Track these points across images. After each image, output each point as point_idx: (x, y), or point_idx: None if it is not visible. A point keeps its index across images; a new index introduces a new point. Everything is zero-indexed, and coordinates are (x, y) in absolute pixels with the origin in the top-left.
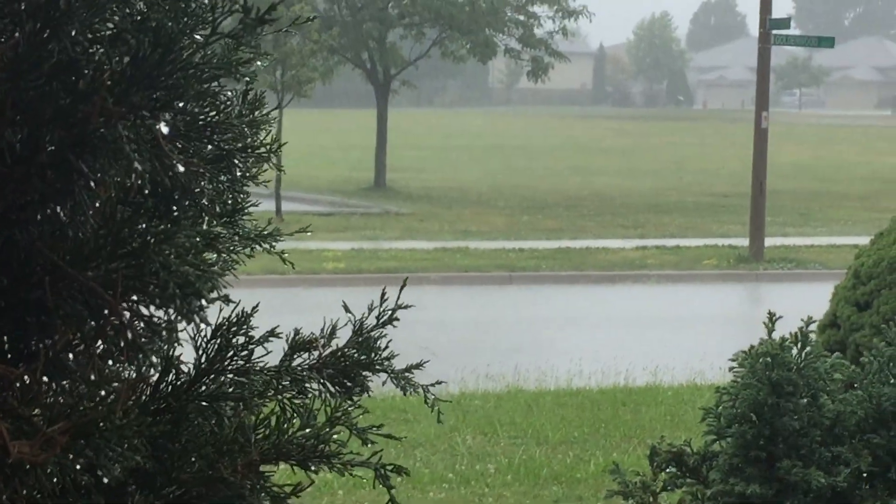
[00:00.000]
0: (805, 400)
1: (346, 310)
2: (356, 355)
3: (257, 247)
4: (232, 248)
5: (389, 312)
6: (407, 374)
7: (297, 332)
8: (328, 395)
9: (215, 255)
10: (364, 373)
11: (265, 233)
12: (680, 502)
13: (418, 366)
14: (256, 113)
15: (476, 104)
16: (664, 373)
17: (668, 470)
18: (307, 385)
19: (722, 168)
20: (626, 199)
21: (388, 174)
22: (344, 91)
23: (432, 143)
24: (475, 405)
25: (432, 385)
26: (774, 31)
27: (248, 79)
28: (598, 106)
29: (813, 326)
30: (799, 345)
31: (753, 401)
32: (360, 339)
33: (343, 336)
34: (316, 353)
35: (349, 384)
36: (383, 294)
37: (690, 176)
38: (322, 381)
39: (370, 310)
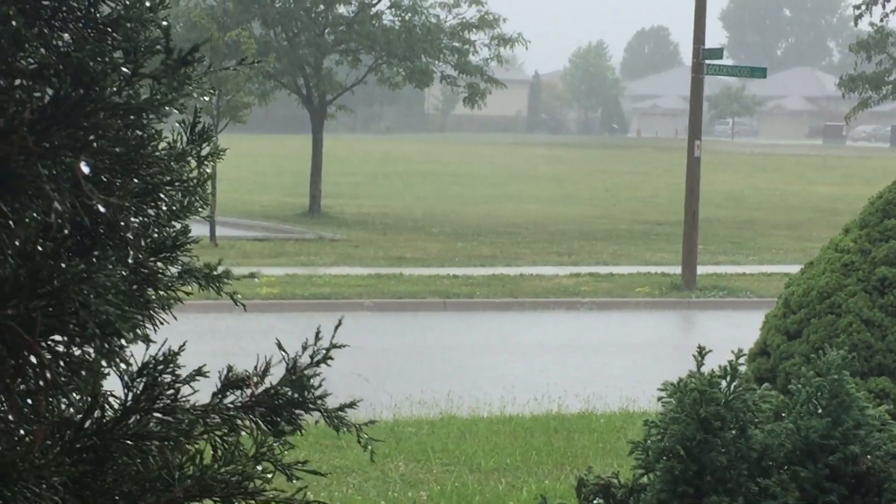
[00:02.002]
0: (734, 432)
1: (280, 347)
2: (289, 394)
3: (205, 285)
4: (171, 284)
5: (324, 352)
6: (340, 413)
7: (230, 368)
8: (259, 432)
9: (153, 293)
10: (297, 411)
11: (214, 273)
12: None
13: (351, 405)
14: (205, 145)
15: (412, 130)
16: (597, 400)
17: (595, 502)
18: (238, 423)
19: (655, 196)
20: (559, 226)
21: (323, 200)
22: (280, 116)
23: (368, 169)
24: (408, 432)
25: (366, 424)
26: (707, 61)
27: (199, 108)
28: (532, 133)
29: (743, 359)
30: (728, 377)
31: (682, 436)
32: (294, 378)
33: (276, 371)
34: (248, 391)
35: (281, 422)
36: (318, 333)
37: (624, 203)
38: (253, 419)
39: (304, 348)
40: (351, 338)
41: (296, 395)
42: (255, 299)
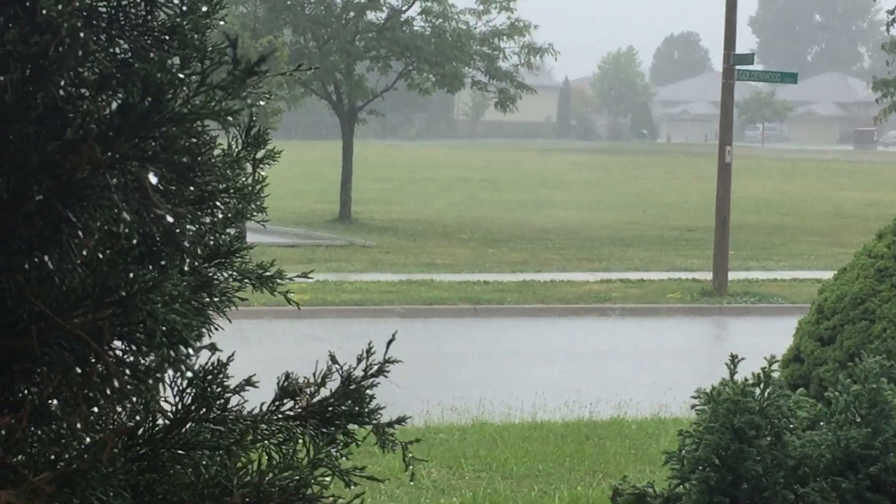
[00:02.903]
0: (769, 439)
1: (333, 360)
2: (345, 406)
3: (259, 287)
4: (226, 290)
5: (378, 365)
6: (389, 428)
7: (287, 376)
8: (313, 439)
9: (208, 298)
10: (352, 423)
11: (266, 274)
12: None
13: (400, 420)
14: (260, 150)
15: (442, 136)
16: (628, 406)
17: None
18: (294, 432)
19: (685, 202)
20: (590, 232)
21: (353, 206)
22: (310, 122)
23: (398, 175)
24: (440, 438)
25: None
26: (738, 67)
27: (252, 112)
28: (562, 139)
29: (776, 366)
30: (762, 385)
31: (716, 445)
32: (350, 390)
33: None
34: (303, 401)
35: (335, 434)
36: (370, 348)
37: (654, 210)
38: (305, 428)
39: (358, 360)
40: (381, 344)
41: (353, 408)
42: (287, 306)
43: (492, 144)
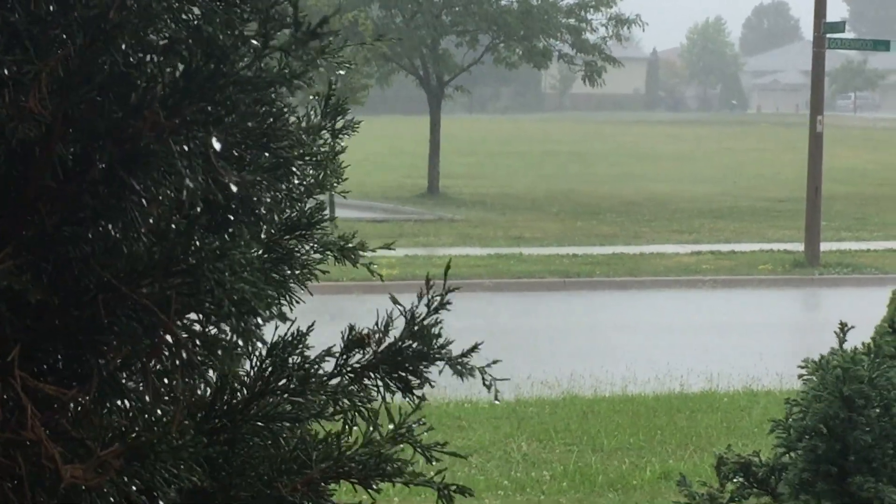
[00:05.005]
0: (877, 410)
1: (395, 301)
2: (413, 346)
3: (341, 259)
4: (307, 262)
5: (439, 298)
6: (463, 358)
7: (351, 328)
8: (388, 393)
9: (288, 270)
10: (422, 363)
11: (349, 246)
12: None
13: (473, 349)
14: (339, 119)
15: (529, 110)
16: (720, 379)
17: (734, 480)
18: (366, 384)
19: (777, 172)
20: (680, 204)
21: (441, 180)
22: (397, 97)
23: (485, 149)
24: (530, 412)
25: (488, 366)
26: (829, 35)
27: (332, 80)
28: (651, 111)
29: (888, 339)
30: (871, 354)
31: (824, 414)
32: (416, 329)
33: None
34: (372, 349)
35: (408, 378)
36: (428, 280)
37: (745, 181)
38: (380, 377)
39: (419, 297)
40: (470, 319)
41: (420, 347)
42: (375, 280)
43: (580, 117)
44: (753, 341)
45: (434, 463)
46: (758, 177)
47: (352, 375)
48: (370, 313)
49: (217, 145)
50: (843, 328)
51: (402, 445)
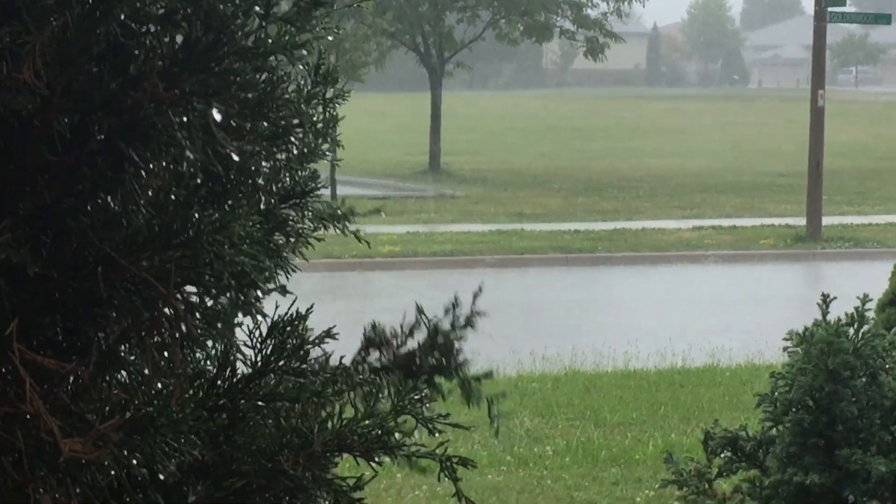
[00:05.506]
0: (863, 380)
1: (420, 312)
2: (432, 359)
3: (330, 227)
4: (301, 230)
5: (465, 317)
6: (476, 382)
7: (374, 326)
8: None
9: (283, 239)
10: (437, 377)
11: (339, 213)
12: (736, 490)
13: (487, 375)
14: (329, 88)
15: (530, 86)
16: (722, 354)
17: (722, 455)
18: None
19: (778, 147)
20: (681, 179)
21: (442, 157)
22: (398, 75)
23: (486, 125)
24: (532, 387)
25: (496, 396)
26: (830, 9)
27: (321, 50)
28: (652, 86)
29: (870, 305)
30: (855, 325)
31: (810, 387)
32: (439, 343)
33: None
34: (390, 352)
35: (421, 386)
36: (456, 300)
37: (746, 156)
38: (390, 377)
39: (445, 312)
40: (470, 294)
41: (440, 360)
42: (377, 257)
43: (581, 93)
44: (755, 316)
45: (436, 435)
46: (759, 152)
47: (365, 376)
48: (374, 290)
49: (217, 115)
50: (826, 299)
51: (404, 418)
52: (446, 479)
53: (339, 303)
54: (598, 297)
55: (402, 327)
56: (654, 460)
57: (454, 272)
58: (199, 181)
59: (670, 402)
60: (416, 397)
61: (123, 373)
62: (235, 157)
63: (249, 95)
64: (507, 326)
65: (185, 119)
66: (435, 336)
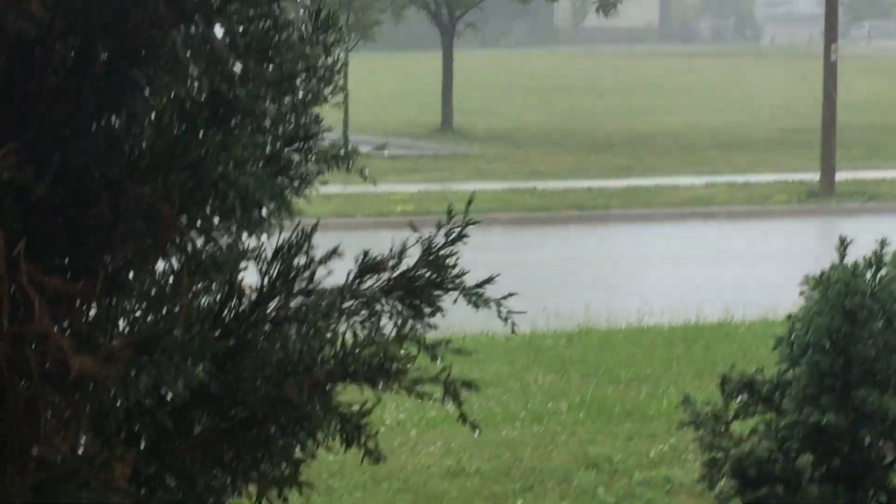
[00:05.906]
0: (880, 324)
1: (413, 228)
2: (427, 275)
3: (335, 168)
4: (305, 174)
5: (458, 230)
6: (478, 289)
7: (366, 253)
8: (398, 315)
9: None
10: (435, 292)
11: (342, 154)
12: (752, 431)
13: (489, 280)
14: (330, 34)
15: (542, 44)
16: (736, 309)
17: (739, 398)
18: (377, 306)
19: (791, 103)
20: (694, 136)
21: (455, 116)
22: (409, 34)
23: (499, 84)
24: (547, 344)
25: (504, 298)
26: None
27: None
28: (664, 43)
29: (888, 250)
30: (873, 268)
31: (827, 328)
32: (431, 258)
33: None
34: (385, 275)
35: (420, 304)
36: (450, 210)
37: (759, 112)
38: (392, 301)
39: (438, 227)
40: (486, 254)
41: (433, 276)
42: (391, 216)
43: (593, 51)
44: (769, 271)
45: (439, 362)
46: (772, 107)
47: (363, 300)
48: (387, 248)
49: (220, 31)
50: (844, 242)
51: (407, 345)
52: (457, 435)
53: (350, 263)
54: (612, 253)
55: (391, 251)
56: (668, 415)
57: (468, 230)
58: (202, 100)
59: (684, 358)
60: (419, 325)
61: (130, 298)
62: (238, 67)
63: (250, 12)
64: (520, 284)
65: (187, 38)
66: (428, 252)
